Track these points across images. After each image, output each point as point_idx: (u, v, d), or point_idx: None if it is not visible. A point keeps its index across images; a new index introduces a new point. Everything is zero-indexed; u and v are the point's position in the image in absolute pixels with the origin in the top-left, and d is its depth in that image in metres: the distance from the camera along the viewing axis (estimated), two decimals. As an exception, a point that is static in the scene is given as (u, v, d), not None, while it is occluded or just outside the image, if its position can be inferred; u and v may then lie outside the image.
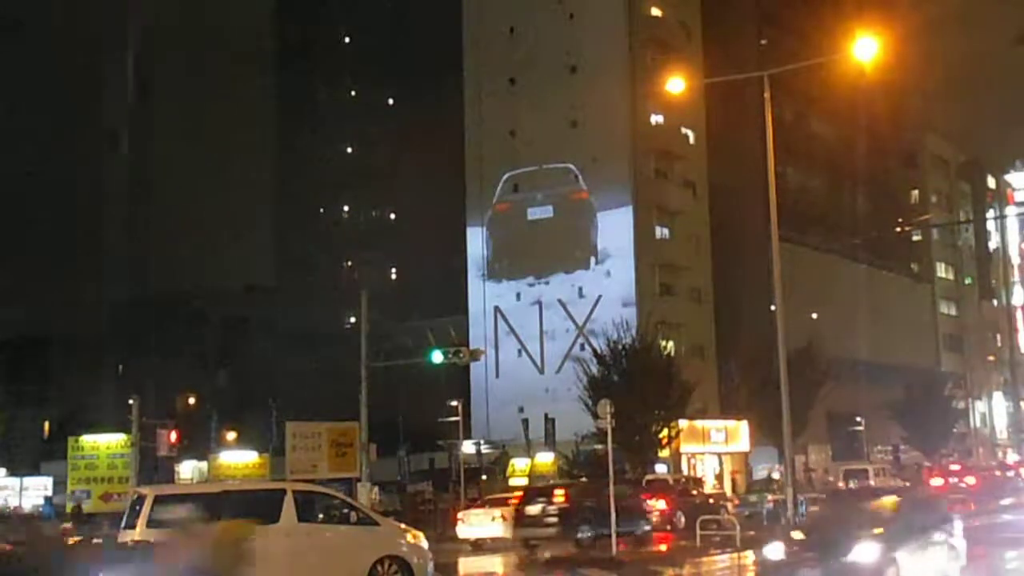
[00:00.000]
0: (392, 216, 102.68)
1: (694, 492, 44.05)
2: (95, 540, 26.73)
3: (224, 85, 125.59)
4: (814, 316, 68.28)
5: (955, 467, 58.91)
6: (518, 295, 71.14)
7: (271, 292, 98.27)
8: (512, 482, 55.27)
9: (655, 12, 72.44)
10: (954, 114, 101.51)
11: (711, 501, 42.58)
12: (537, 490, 35.95)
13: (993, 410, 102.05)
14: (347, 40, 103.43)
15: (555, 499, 33.14)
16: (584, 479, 45.73)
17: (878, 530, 17.98)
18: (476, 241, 72.88)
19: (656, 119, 71.01)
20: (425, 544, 21.31)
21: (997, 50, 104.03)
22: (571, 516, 31.79)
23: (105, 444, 40.62)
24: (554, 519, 32.08)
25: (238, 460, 46.13)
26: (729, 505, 42.41)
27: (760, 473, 62.57)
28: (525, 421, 59.86)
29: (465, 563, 30.12)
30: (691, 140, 72.91)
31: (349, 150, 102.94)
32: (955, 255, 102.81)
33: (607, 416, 38.39)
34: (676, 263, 70.65)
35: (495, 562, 31.22)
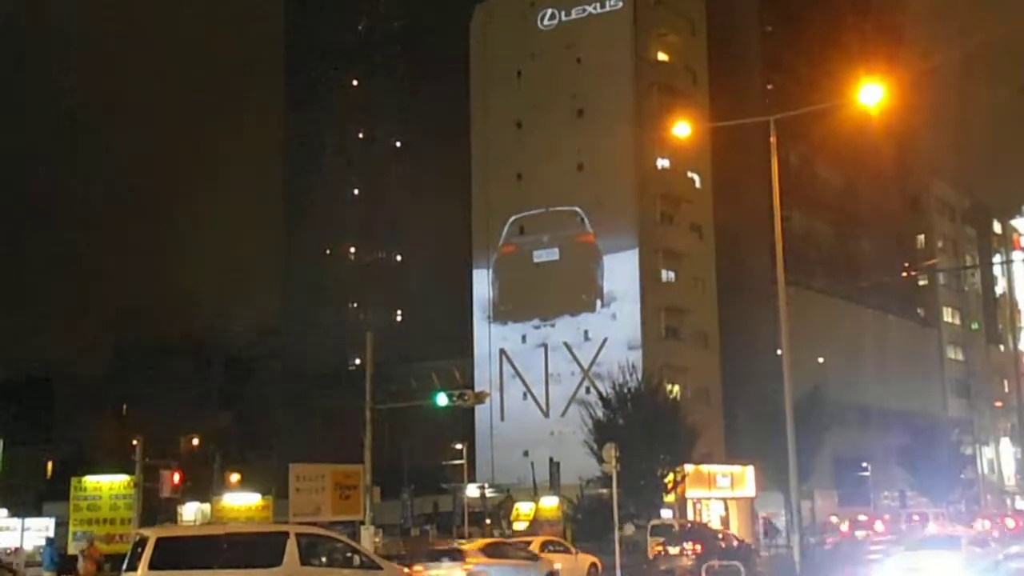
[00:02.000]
0: (398, 258, 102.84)
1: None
2: None
3: (231, 127, 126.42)
4: (820, 360, 68.06)
5: None
6: (523, 337, 71.04)
7: (276, 333, 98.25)
8: (516, 526, 54.95)
9: (662, 57, 72.87)
10: (959, 159, 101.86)
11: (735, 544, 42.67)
12: None
13: (1001, 456, 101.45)
14: (355, 83, 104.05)
15: None
16: None
17: None
18: (482, 283, 72.91)
19: (662, 163, 71.21)
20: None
21: (1002, 96, 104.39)
22: None
23: (108, 485, 40.31)
24: None
25: (241, 502, 45.81)
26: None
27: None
28: (532, 464, 59.59)
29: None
30: (697, 184, 73.03)
31: (356, 192, 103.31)
32: (961, 300, 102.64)
33: (612, 460, 38.20)
34: (682, 306, 70.56)
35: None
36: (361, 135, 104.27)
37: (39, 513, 54.14)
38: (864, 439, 73.44)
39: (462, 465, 57.15)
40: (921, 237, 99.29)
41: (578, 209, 70.06)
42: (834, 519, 63.44)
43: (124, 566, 19.45)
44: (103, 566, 34.37)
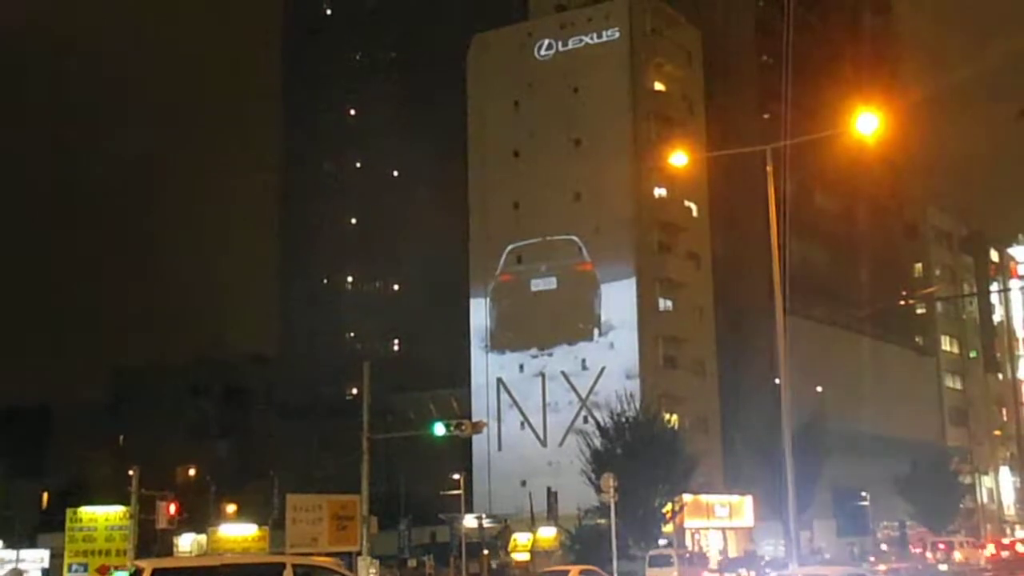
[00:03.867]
0: (395, 287, 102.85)
1: None
2: None
3: (229, 155, 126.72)
4: (819, 389, 67.97)
5: None
6: (521, 367, 70.89)
7: (273, 363, 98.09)
8: (514, 557, 54.67)
9: (659, 87, 73.08)
10: (956, 188, 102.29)
11: None
12: None
13: (1000, 485, 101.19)
14: (352, 112, 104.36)
15: None
16: None
17: None
18: (479, 312, 72.81)
19: (660, 192, 71.32)
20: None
21: (999, 124, 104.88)
22: None
23: (103, 516, 40.07)
24: None
25: (237, 533, 45.59)
26: None
27: (766, 548, 62.12)
28: (530, 494, 59.36)
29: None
30: (694, 213, 73.12)
31: (353, 221, 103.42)
32: (959, 328, 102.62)
33: (610, 490, 38.05)
34: (679, 335, 70.48)
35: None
36: (359, 164, 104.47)
37: (34, 544, 53.92)
38: (862, 468, 73.21)
39: (459, 495, 56.86)
40: (918, 265, 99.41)
41: (576, 238, 70.09)
42: (883, 547, 64.42)
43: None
44: None
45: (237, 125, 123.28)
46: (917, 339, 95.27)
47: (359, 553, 36.71)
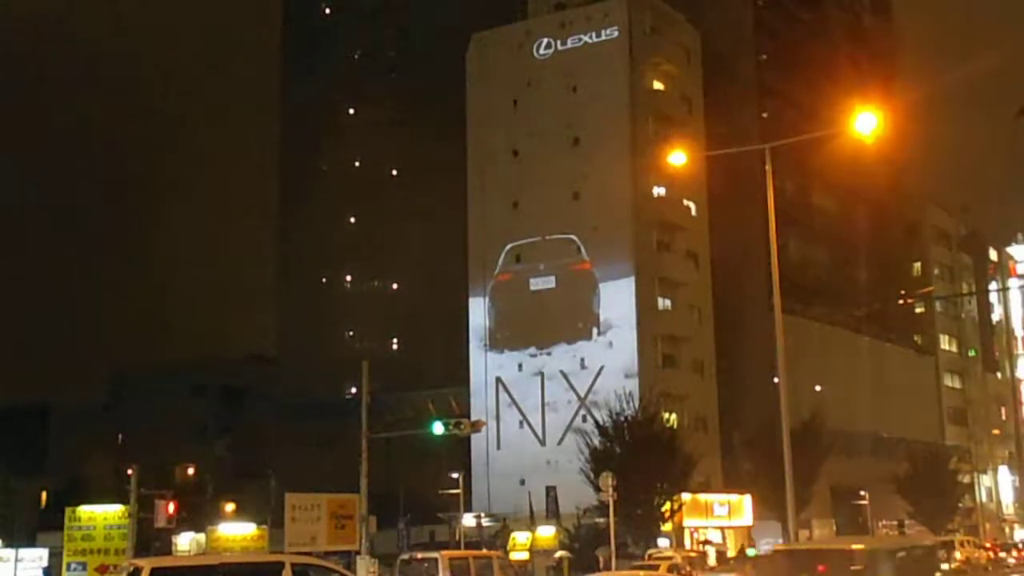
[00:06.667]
0: (394, 286, 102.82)
1: None
2: None
3: (228, 153, 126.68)
4: (817, 388, 68.01)
5: None
6: (520, 366, 70.91)
7: (272, 362, 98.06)
8: (513, 556, 54.63)
9: (657, 85, 73.09)
10: (955, 187, 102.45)
11: None
12: None
13: (999, 484, 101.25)
14: (351, 111, 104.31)
15: None
16: None
17: None
18: (478, 311, 72.83)
19: (658, 191, 71.33)
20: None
21: (998, 124, 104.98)
22: None
23: (102, 515, 40.04)
24: None
25: (236, 532, 45.55)
26: None
27: (764, 548, 62.05)
28: (529, 493, 59.37)
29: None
30: (693, 212, 73.14)
31: (352, 220, 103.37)
32: (958, 327, 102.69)
33: (609, 489, 38.09)
34: (678, 334, 70.50)
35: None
36: (357, 163, 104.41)
37: (33, 543, 53.85)
38: (861, 467, 73.26)
39: (458, 494, 56.87)
40: (917, 264, 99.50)
41: (574, 237, 70.12)
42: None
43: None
44: None
45: (236, 124, 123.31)
46: (916, 338, 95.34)
47: (358, 552, 36.72)
